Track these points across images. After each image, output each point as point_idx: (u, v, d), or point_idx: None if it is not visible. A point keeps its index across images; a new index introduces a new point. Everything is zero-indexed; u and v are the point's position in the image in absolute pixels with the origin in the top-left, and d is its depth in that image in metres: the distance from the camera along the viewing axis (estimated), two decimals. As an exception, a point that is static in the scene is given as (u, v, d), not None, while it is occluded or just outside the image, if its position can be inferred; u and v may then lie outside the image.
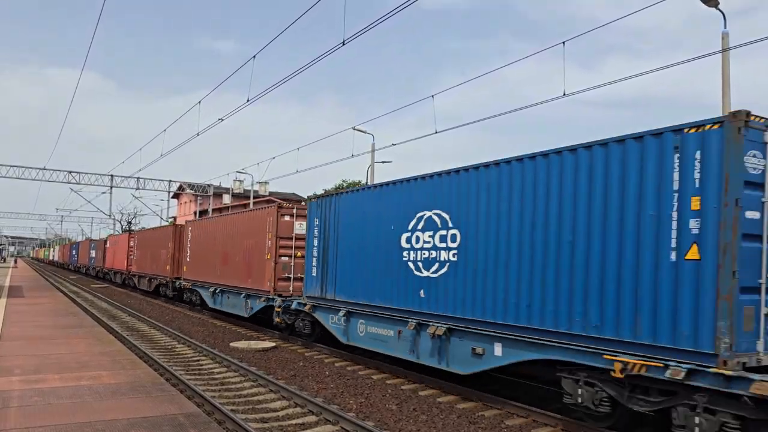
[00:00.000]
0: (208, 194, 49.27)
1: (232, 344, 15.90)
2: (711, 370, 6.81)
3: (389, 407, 9.85)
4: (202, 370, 12.89)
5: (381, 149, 38.77)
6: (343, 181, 56.45)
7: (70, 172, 43.84)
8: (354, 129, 29.62)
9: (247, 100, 17.68)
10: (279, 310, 16.88)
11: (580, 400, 8.48)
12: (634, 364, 7.54)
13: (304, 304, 15.36)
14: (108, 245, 45.69)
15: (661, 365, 7.27)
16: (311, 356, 14.64)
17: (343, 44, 12.17)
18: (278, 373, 12.47)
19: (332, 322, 14.24)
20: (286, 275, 17.66)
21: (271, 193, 55.66)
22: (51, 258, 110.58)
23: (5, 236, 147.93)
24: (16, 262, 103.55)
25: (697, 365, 6.94)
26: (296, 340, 16.67)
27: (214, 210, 49.84)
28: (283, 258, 17.71)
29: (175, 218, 69.54)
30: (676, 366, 7.12)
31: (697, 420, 7.03)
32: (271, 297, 17.50)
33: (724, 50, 15.01)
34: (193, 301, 25.72)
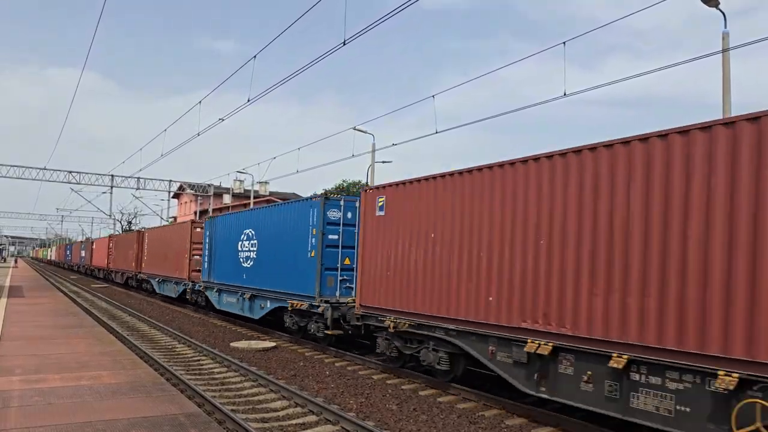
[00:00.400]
0: (209, 194, 49.28)
1: (232, 344, 15.90)
2: (314, 303, 15.05)
3: (389, 407, 9.86)
4: (202, 370, 12.89)
5: (381, 149, 38.71)
6: (344, 181, 56.41)
7: (70, 172, 43.85)
8: (354, 129, 29.64)
9: (248, 100, 17.68)
10: (190, 291, 25.47)
11: (289, 325, 16.65)
12: (296, 303, 15.95)
13: (201, 286, 23.79)
14: (94, 246, 53.46)
15: (304, 303, 15.54)
16: (311, 356, 14.65)
17: (344, 44, 12.17)
18: (278, 373, 12.47)
19: (213, 297, 22.75)
20: (198, 268, 24.99)
21: (271, 193, 55.62)
22: (49, 258, 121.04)
23: (5, 236, 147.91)
24: (16, 262, 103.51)
25: (312, 302, 15.18)
26: (298, 340, 16.77)
27: (214, 210, 49.84)
28: (195, 257, 25.44)
29: (175, 218, 69.49)
30: (306, 302, 15.47)
31: (312, 326, 15.49)
32: (187, 283, 25.61)
33: (725, 50, 15.01)
34: (148, 288, 33.55)
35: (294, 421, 8.94)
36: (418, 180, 11.48)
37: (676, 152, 7.24)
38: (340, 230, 15.31)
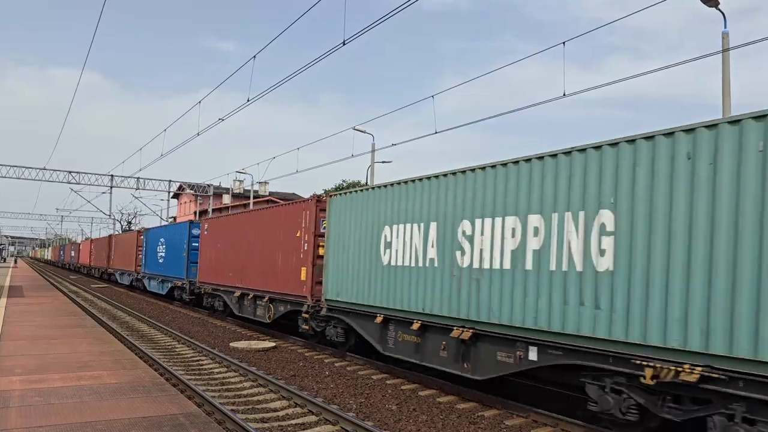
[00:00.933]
0: (208, 194, 49.29)
1: (232, 344, 15.91)
2: (183, 282, 26.00)
3: (389, 407, 9.86)
4: (202, 370, 12.90)
5: (381, 149, 38.83)
6: (343, 181, 56.40)
7: (70, 172, 43.88)
8: (354, 129, 29.67)
9: (248, 100, 17.70)
10: (134, 279, 35.61)
11: (176, 296, 27.63)
12: (177, 283, 26.75)
13: (140, 276, 33.85)
14: (81, 247, 64.80)
15: (180, 282, 26.55)
16: (311, 356, 14.66)
17: (344, 44, 12.18)
18: (278, 373, 12.48)
19: (146, 282, 32.82)
20: (141, 264, 33.96)
21: (271, 193, 55.63)
22: (46, 257, 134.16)
23: (5, 236, 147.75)
24: (16, 262, 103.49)
25: (183, 282, 26.17)
26: (296, 340, 16.80)
27: (214, 210, 49.84)
28: (139, 255, 34.43)
29: (174, 218, 69.47)
30: (181, 281, 26.31)
31: (183, 295, 26.39)
32: (134, 274, 35.82)
33: (725, 50, 15.02)
34: (114, 279, 44.14)
35: (294, 421, 8.95)
36: (216, 217, 23.23)
37: (254, 220, 19.14)
38: (200, 240, 24.54)
